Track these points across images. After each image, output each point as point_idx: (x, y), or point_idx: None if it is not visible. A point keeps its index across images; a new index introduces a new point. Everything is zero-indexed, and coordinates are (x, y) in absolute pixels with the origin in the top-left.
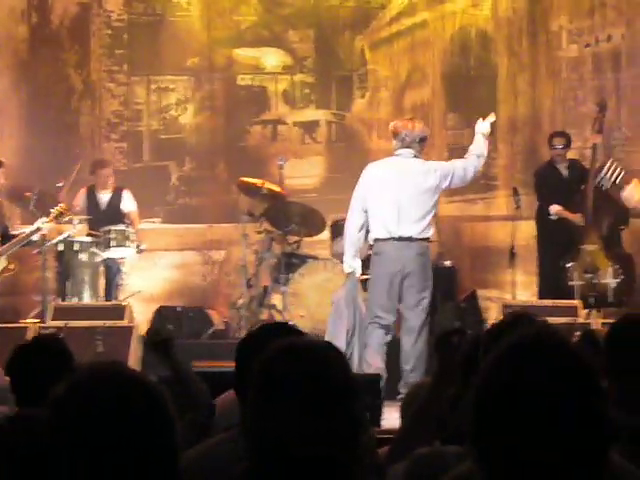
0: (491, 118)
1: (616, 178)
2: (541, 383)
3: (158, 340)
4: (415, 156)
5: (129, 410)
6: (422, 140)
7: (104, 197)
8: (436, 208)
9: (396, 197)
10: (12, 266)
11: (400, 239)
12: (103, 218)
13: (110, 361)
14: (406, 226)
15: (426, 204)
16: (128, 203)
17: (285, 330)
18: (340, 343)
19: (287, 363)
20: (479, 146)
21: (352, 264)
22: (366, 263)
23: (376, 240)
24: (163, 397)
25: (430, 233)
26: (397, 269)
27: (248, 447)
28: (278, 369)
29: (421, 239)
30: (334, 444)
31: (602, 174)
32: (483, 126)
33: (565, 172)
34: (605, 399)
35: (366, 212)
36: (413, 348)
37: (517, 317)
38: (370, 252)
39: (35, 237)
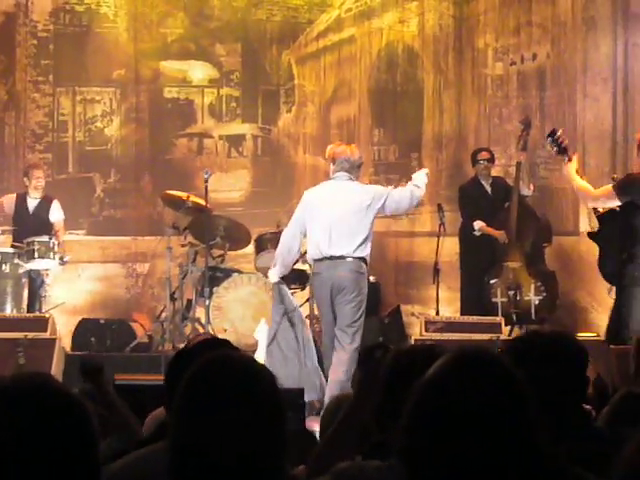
0: (424, 170)
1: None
2: (474, 399)
3: (90, 370)
4: (351, 179)
5: (52, 422)
6: (359, 166)
7: (33, 203)
8: (371, 228)
9: (329, 217)
10: None
11: (332, 258)
12: (30, 226)
13: (35, 372)
14: (338, 245)
15: (359, 223)
16: (56, 213)
17: (218, 346)
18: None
19: (214, 377)
20: (418, 178)
21: (274, 277)
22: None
23: (314, 261)
24: (86, 410)
25: (365, 252)
26: (330, 287)
27: (171, 460)
28: (204, 383)
29: (355, 258)
30: (259, 459)
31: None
32: (419, 177)
33: (489, 189)
34: (533, 413)
35: (303, 234)
36: (343, 364)
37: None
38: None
39: None
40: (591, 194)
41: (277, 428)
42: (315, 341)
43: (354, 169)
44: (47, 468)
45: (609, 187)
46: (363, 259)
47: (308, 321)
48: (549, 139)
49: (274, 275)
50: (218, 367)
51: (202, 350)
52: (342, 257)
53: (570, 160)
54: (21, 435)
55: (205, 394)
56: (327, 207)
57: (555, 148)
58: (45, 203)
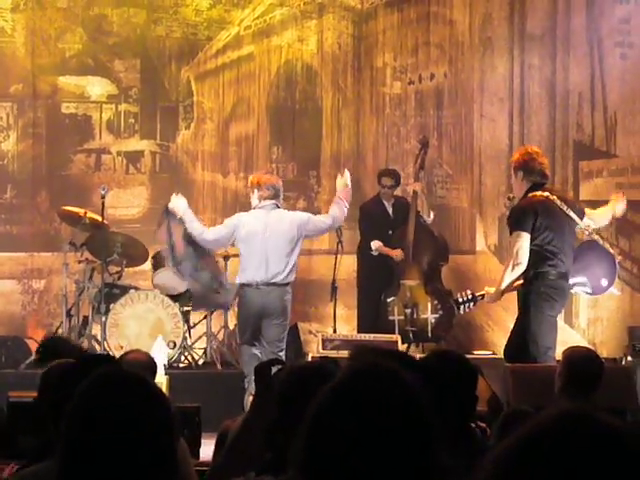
0: (346, 174)
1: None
2: (372, 413)
3: None
4: (278, 206)
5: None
6: (280, 192)
7: None
8: (297, 254)
9: (264, 247)
10: None
11: (267, 285)
12: None
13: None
14: (273, 274)
15: (291, 252)
16: None
17: (100, 361)
18: None
19: (103, 396)
20: (335, 208)
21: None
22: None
23: (243, 285)
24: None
25: (292, 278)
26: (260, 312)
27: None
28: (93, 402)
29: (285, 284)
30: (149, 476)
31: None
32: (340, 183)
33: (390, 209)
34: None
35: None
36: None
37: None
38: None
39: None
40: (508, 264)
41: (167, 447)
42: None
43: (279, 196)
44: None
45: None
46: (290, 284)
47: None
48: (462, 306)
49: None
50: (107, 387)
51: (86, 368)
52: (275, 284)
53: (487, 294)
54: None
55: (98, 412)
56: (261, 236)
57: (471, 304)
58: None
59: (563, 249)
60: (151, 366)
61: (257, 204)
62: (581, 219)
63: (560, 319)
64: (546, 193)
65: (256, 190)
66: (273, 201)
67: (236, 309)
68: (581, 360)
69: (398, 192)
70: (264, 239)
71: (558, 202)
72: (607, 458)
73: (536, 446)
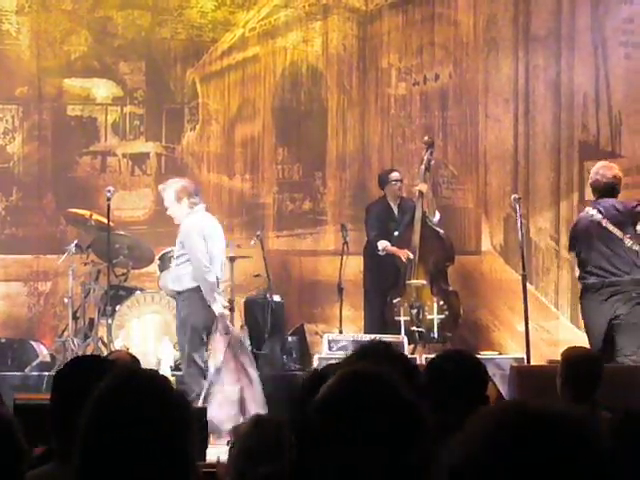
0: None
1: None
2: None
3: None
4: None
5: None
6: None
7: None
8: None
9: (221, 248)
10: None
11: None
12: None
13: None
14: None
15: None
16: None
17: (97, 364)
18: None
19: (121, 396)
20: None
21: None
22: None
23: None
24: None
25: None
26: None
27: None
28: (110, 410)
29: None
30: (166, 476)
31: None
32: None
33: (396, 209)
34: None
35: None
36: None
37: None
38: None
39: None
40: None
41: (185, 447)
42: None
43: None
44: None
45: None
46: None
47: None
48: None
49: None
50: (123, 393)
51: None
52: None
53: None
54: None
55: (117, 411)
56: (218, 238)
57: None
58: None
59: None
60: None
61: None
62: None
63: (566, 319)
64: None
65: (195, 197)
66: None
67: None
68: (580, 360)
69: (404, 193)
70: (221, 243)
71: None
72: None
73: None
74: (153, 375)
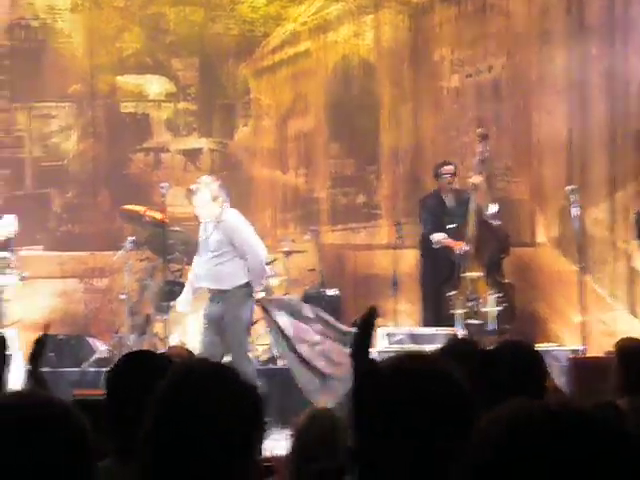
0: None
1: None
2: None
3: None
4: None
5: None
6: None
7: None
8: None
9: None
10: None
11: None
12: None
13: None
14: None
15: None
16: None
17: (148, 358)
18: None
19: (189, 390)
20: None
21: None
22: None
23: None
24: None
25: None
26: None
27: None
28: (180, 397)
29: None
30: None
31: None
32: None
33: (450, 202)
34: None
35: None
36: None
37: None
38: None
39: None
40: None
41: (255, 439)
42: None
43: None
44: None
45: None
46: None
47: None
48: None
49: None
50: (198, 378)
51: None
52: None
53: None
54: None
55: (185, 406)
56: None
57: None
58: None
59: None
60: None
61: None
62: None
63: (623, 310)
64: None
65: (224, 193)
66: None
67: None
68: (634, 351)
69: (458, 185)
70: None
71: None
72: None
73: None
74: (221, 368)
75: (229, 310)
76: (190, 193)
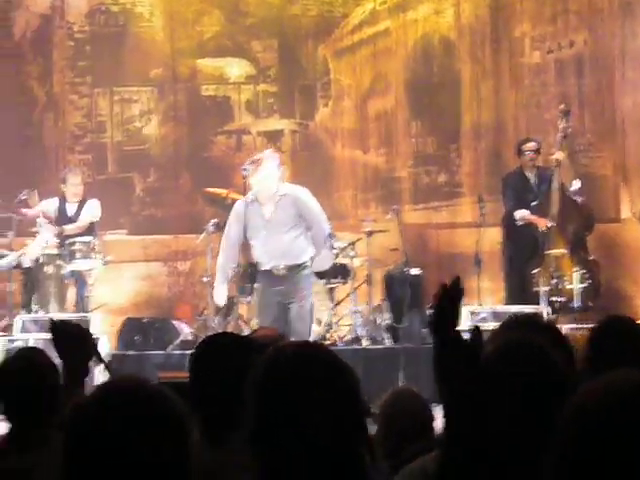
0: None
1: None
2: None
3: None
4: None
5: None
6: None
7: (72, 207)
8: None
9: None
10: None
11: None
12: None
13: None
14: None
15: None
16: (84, 213)
17: (231, 340)
18: None
19: (290, 369)
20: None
21: None
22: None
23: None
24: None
25: None
26: None
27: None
28: (283, 375)
29: None
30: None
31: None
32: None
33: (533, 179)
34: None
35: None
36: None
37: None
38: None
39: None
40: None
41: (358, 414)
42: None
43: None
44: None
45: None
46: None
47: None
48: None
49: None
50: (298, 357)
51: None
52: None
53: None
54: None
55: (288, 383)
56: None
57: None
58: (81, 205)
59: None
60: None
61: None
62: None
63: None
64: None
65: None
66: None
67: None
68: None
69: (540, 162)
70: None
71: None
72: None
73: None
74: (317, 345)
75: (299, 287)
76: (254, 164)
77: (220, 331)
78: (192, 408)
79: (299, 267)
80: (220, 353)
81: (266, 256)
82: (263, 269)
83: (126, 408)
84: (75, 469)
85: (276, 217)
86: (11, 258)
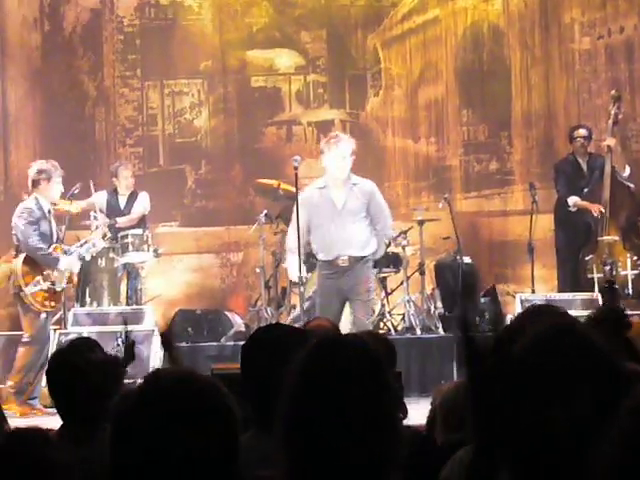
0: None
1: None
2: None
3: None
4: None
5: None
6: None
7: (123, 200)
8: None
9: None
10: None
11: None
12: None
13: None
14: None
15: None
16: (137, 206)
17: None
18: None
19: (326, 362)
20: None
21: None
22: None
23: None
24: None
25: None
26: None
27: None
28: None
29: None
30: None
31: None
32: None
33: (585, 165)
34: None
35: None
36: None
37: (537, 310)
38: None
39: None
40: None
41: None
42: None
43: None
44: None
45: None
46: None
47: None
48: None
49: None
50: (334, 350)
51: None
52: None
53: None
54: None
55: (322, 378)
56: None
57: None
58: (133, 198)
59: None
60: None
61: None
62: None
63: None
64: None
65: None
66: None
67: None
68: None
69: (592, 148)
70: None
71: None
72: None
73: None
74: (352, 339)
75: (361, 280)
76: (330, 143)
77: (273, 322)
78: (244, 398)
79: (362, 259)
80: (272, 344)
81: (331, 245)
82: (325, 259)
83: (170, 401)
84: (120, 462)
85: (347, 206)
86: (88, 247)
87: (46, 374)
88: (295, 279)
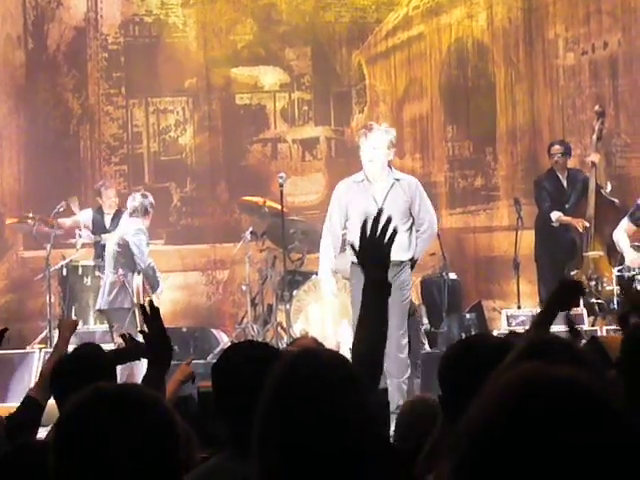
0: None
1: None
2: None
3: None
4: None
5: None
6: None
7: (108, 218)
8: None
9: None
10: None
11: None
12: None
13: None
14: None
15: None
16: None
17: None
18: None
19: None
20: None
21: None
22: None
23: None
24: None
25: None
26: None
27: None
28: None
29: None
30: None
31: None
32: None
33: (565, 181)
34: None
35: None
36: None
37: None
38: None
39: None
40: None
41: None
42: None
43: None
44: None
45: None
46: None
47: None
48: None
49: None
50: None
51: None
52: None
53: None
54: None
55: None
56: None
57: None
58: (119, 217)
59: None
60: None
61: None
62: None
63: None
64: None
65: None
66: None
67: None
68: None
69: (576, 164)
70: None
71: None
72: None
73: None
74: (333, 355)
75: (402, 285)
76: (365, 131)
77: (260, 339)
78: (216, 415)
79: (401, 264)
80: (240, 360)
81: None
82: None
83: (108, 413)
84: (60, 466)
85: (387, 203)
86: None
87: None
88: (328, 296)
